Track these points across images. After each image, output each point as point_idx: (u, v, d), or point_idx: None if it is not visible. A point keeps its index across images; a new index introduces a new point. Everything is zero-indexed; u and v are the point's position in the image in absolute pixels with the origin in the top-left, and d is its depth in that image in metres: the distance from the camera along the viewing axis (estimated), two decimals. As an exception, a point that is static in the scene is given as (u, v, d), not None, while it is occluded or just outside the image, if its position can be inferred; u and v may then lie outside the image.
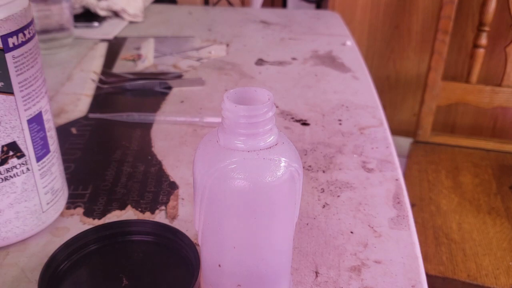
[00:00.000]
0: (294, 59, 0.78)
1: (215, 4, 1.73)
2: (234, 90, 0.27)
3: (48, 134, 0.39)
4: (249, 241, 0.28)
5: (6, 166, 0.36)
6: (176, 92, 0.67)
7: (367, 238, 0.41)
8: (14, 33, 0.34)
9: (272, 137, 0.27)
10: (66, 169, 0.46)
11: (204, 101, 0.64)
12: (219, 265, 0.29)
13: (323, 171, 0.49)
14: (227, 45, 0.84)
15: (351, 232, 0.41)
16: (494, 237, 0.96)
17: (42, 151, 0.38)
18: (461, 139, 1.28)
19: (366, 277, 0.37)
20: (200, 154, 0.28)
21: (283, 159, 0.27)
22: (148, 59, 0.78)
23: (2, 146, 0.35)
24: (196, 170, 0.28)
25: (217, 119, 0.59)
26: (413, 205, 1.00)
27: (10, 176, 0.36)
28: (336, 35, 0.90)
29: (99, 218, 0.43)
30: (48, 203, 0.40)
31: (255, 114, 0.26)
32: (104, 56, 0.79)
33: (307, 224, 0.42)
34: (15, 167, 0.36)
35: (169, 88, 0.68)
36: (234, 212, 0.27)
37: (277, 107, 0.63)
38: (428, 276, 0.84)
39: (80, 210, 0.44)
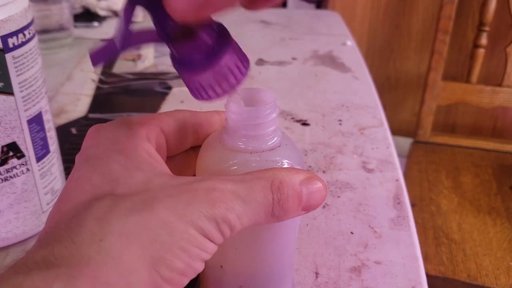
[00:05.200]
0: (294, 59, 0.78)
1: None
2: (237, 91, 0.27)
3: (48, 134, 0.39)
4: (251, 243, 0.28)
5: (6, 166, 0.36)
6: (176, 92, 0.67)
7: (367, 238, 0.41)
8: (14, 33, 0.33)
9: (275, 138, 0.26)
10: (66, 169, 0.46)
11: (204, 101, 0.64)
12: (221, 266, 0.29)
13: (323, 172, 0.49)
14: (227, 45, 0.84)
15: (351, 233, 0.41)
16: (494, 237, 0.96)
17: (42, 152, 0.38)
18: (461, 139, 1.28)
19: (366, 278, 0.37)
20: (202, 155, 0.28)
21: (286, 160, 0.26)
22: (148, 59, 0.78)
23: (2, 147, 0.35)
24: (198, 171, 0.28)
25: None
26: (413, 205, 1.00)
27: (10, 177, 0.36)
28: (336, 35, 0.90)
29: (99, 219, 0.43)
30: (48, 204, 0.40)
31: (259, 115, 0.26)
32: (104, 56, 0.79)
33: (307, 225, 0.42)
34: (15, 167, 0.36)
35: (169, 88, 0.68)
36: None
37: (277, 107, 0.62)
38: (428, 276, 0.84)
39: (80, 210, 0.43)
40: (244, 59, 0.25)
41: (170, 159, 0.28)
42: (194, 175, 0.28)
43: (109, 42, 0.23)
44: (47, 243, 0.20)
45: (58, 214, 0.22)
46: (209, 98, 0.24)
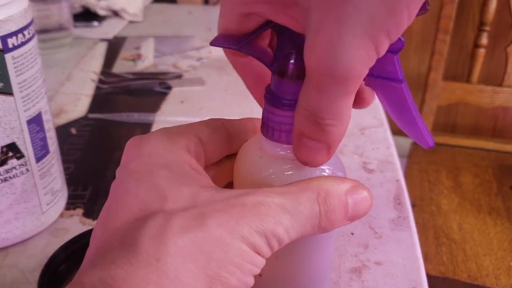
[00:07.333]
0: (294, 59, 0.78)
1: (215, 4, 1.72)
2: None
3: (47, 134, 0.38)
4: (293, 252, 0.27)
5: (5, 167, 0.36)
6: (176, 92, 0.67)
7: (367, 239, 0.40)
8: (14, 33, 0.33)
9: None
10: (65, 169, 0.46)
11: (204, 101, 0.64)
12: (260, 275, 0.28)
13: (324, 172, 0.49)
14: (227, 45, 0.84)
15: (352, 234, 0.41)
16: (494, 237, 0.96)
17: (41, 152, 0.38)
18: (462, 139, 1.27)
19: (366, 279, 0.36)
20: (241, 163, 0.27)
21: (327, 167, 0.26)
22: (148, 59, 0.78)
23: (2, 147, 0.35)
24: (238, 180, 0.27)
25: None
26: (413, 205, 1.00)
27: (10, 177, 0.36)
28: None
29: (99, 219, 0.43)
30: (47, 204, 0.40)
31: None
32: (103, 56, 0.79)
33: (308, 225, 0.42)
34: (14, 168, 0.36)
35: (169, 88, 0.68)
36: None
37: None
38: (429, 276, 0.84)
39: (79, 211, 0.43)
40: None
41: (205, 168, 0.28)
42: (230, 183, 0.28)
43: (234, 37, 0.25)
44: (102, 264, 0.20)
45: (106, 232, 0.22)
46: (279, 139, 0.25)
